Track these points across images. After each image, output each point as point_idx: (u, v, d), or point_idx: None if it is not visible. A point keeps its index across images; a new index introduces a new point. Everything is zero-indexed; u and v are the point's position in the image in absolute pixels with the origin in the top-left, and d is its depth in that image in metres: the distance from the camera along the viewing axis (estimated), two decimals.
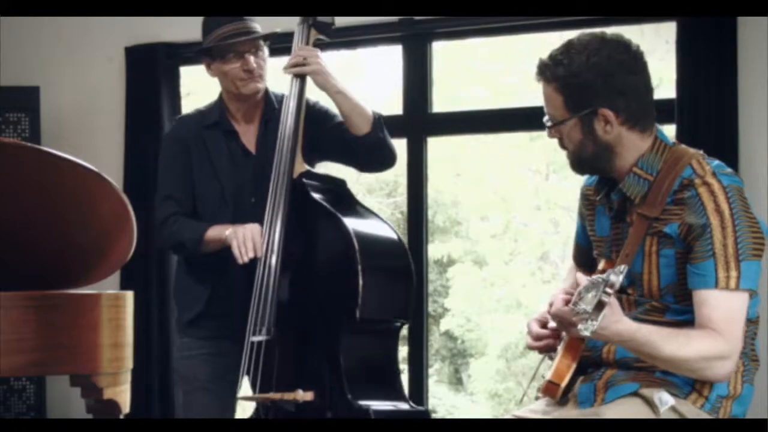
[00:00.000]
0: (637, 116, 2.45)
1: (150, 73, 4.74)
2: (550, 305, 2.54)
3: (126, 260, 2.97)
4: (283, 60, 3.47)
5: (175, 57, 4.77)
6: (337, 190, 3.38)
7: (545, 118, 2.53)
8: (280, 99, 3.50)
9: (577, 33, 2.52)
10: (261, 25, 3.45)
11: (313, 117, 3.44)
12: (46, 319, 2.72)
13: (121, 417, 2.88)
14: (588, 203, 2.68)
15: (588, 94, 2.43)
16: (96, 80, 4.94)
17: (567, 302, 2.38)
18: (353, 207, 3.33)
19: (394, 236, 3.31)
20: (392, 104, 4.94)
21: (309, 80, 3.39)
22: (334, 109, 3.46)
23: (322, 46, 3.46)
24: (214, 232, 3.36)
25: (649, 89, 2.48)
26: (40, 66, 4.97)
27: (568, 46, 2.45)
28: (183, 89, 4.86)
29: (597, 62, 2.41)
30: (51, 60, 5.00)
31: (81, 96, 4.98)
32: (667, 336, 2.34)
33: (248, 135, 3.51)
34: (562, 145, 2.54)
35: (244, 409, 3.20)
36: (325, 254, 3.29)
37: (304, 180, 3.32)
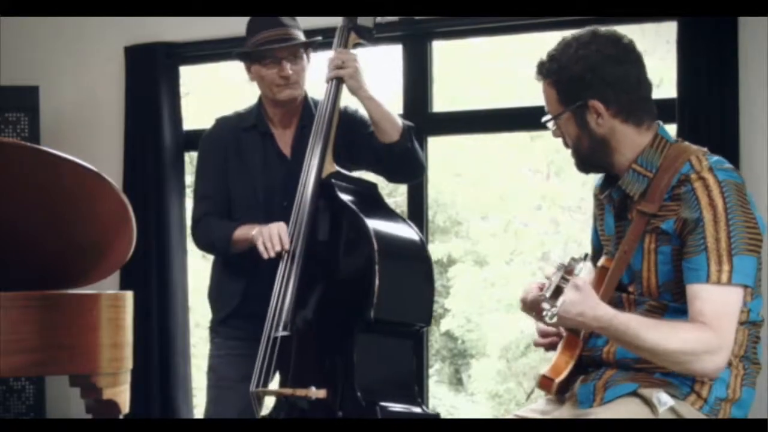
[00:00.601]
0: (628, 108, 2.46)
1: (149, 73, 4.74)
2: (525, 295, 2.56)
3: (126, 260, 2.96)
4: (318, 56, 3.47)
5: (174, 57, 4.77)
6: (366, 192, 3.38)
7: (544, 117, 2.54)
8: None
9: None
10: (303, 25, 3.45)
11: (351, 124, 3.47)
12: (45, 319, 2.71)
13: (121, 417, 2.88)
14: (598, 203, 2.68)
15: (577, 86, 2.45)
16: (95, 80, 4.94)
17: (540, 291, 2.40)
18: (380, 209, 3.33)
19: (417, 240, 3.30)
20: (392, 104, 4.92)
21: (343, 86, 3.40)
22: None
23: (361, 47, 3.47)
24: (242, 231, 3.39)
25: (641, 82, 2.49)
26: (39, 66, 4.97)
27: (561, 42, 2.49)
28: (182, 89, 4.86)
29: (585, 55, 2.44)
30: (50, 60, 4.99)
31: (80, 96, 4.97)
32: (650, 325, 2.33)
33: (284, 139, 3.53)
34: (566, 144, 2.56)
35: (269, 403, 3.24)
36: (346, 253, 3.30)
37: (333, 180, 3.33)
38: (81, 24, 4.87)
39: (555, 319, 2.21)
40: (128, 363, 2.90)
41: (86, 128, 4.92)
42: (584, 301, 2.25)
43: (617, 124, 2.47)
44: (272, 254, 3.27)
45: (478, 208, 7.88)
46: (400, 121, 3.40)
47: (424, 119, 4.43)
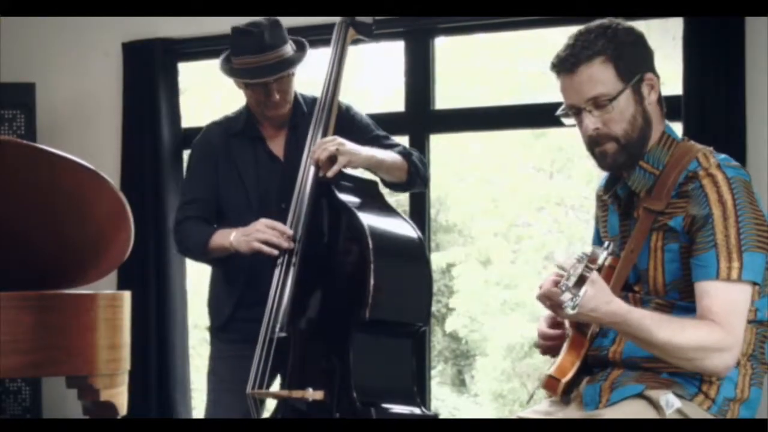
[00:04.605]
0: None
1: (147, 69, 4.72)
2: (540, 287, 2.51)
3: (123, 259, 2.97)
4: (318, 52, 3.43)
5: (172, 53, 4.75)
6: (365, 190, 3.35)
7: (594, 101, 2.42)
8: (309, 102, 3.48)
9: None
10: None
11: (351, 127, 3.43)
12: (42, 319, 2.72)
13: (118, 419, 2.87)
14: (601, 204, 2.67)
15: (636, 59, 2.44)
16: (93, 76, 4.92)
17: (557, 284, 2.35)
18: (378, 207, 3.29)
19: (415, 238, 3.26)
20: (394, 101, 4.92)
21: (342, 80, 3.37)
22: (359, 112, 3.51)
23: (357, 42, 3.44)
24: (217, 240, 3.36)
25: None
26: (35, 62, 4.96)
27: (595, 25, 2.45)
28: (180, 85, 4.84)
29: (630, 30, 2.45)
30: (47, 56, 4.98)
31: (77, 93, 4.96)
32: (662, 321, 2.31)
33: (276, 141, 3.49)
34: (589, 136, 2.45)
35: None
36: (344, 253, 3.27)
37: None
38: (78, 20, 4.84)
39: (577, 309, 2.15)
40: (126, 364, 2.90)
41: (83, 125, 4.91)
42: (598, 296, 2.21)
43: (655, 104, 2.46)
44: (285, 245, 3.23)
45: (481, 207, 7.87)
46: (402, 161, 3.37)
47: (425, 116, 4.43)
